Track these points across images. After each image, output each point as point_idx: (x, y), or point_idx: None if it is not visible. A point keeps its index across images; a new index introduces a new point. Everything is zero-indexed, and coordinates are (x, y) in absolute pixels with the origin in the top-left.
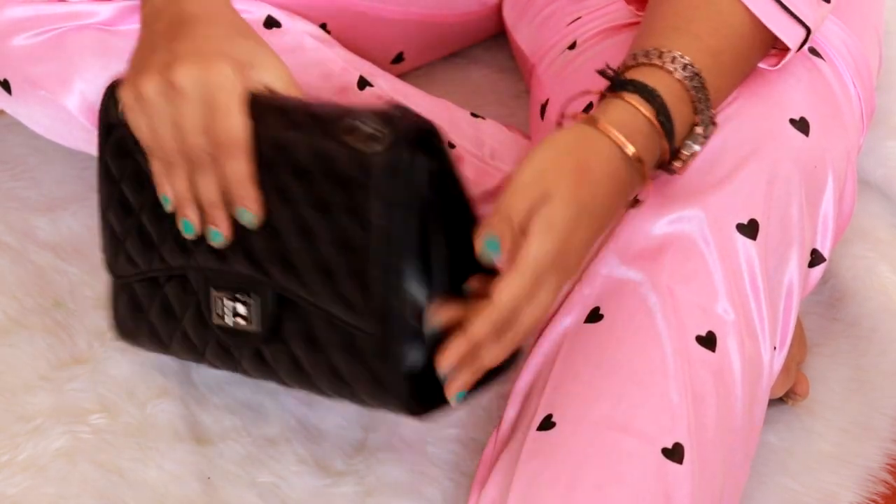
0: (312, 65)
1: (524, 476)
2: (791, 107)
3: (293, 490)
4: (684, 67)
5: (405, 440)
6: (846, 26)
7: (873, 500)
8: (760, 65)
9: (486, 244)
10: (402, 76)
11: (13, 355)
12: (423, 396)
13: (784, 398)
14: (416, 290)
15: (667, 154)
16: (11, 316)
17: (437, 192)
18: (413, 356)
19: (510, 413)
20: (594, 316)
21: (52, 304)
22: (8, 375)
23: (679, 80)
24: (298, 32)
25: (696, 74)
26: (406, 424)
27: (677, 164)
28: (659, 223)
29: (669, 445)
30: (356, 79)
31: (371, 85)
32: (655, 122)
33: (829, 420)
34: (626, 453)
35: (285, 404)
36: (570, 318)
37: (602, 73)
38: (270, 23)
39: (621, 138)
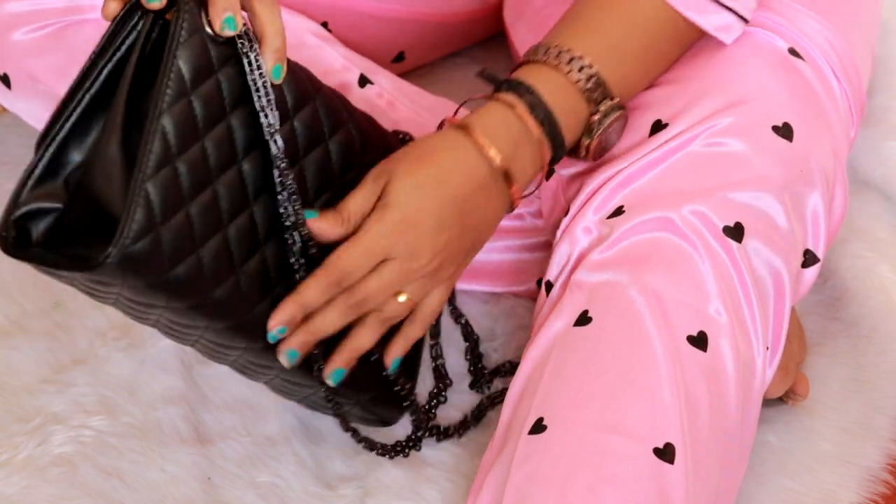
0: (313, 62)
1: (517, 479)
2: (773, 114)
3: (293, 490)
4: (570, 62)
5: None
6: (829, 23)
7: (873, 501)
8: (721, 37)
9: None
10: (402, 75)
11: (14, 358)
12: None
13: (784, 398)
14: None
15: (546, 148)
16: (12, 318)
17: None
18: None
19: (504, 417)
20: (583, 319)
21: (52, 306)
22: (8, 377)
23: (564, 74)
24: (300, 29)
25: (586, 66)
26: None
27: (581, 151)
28: (645, 224)
29: (661, 445)
30: (357, 76)
31: (371, 83)
32: (529, 117)
33: (829, 420)
34: (616, 454)
35: (286, 404)
36: (560, 322)
37: (480, 74)
38: None
39: (484, 139)
